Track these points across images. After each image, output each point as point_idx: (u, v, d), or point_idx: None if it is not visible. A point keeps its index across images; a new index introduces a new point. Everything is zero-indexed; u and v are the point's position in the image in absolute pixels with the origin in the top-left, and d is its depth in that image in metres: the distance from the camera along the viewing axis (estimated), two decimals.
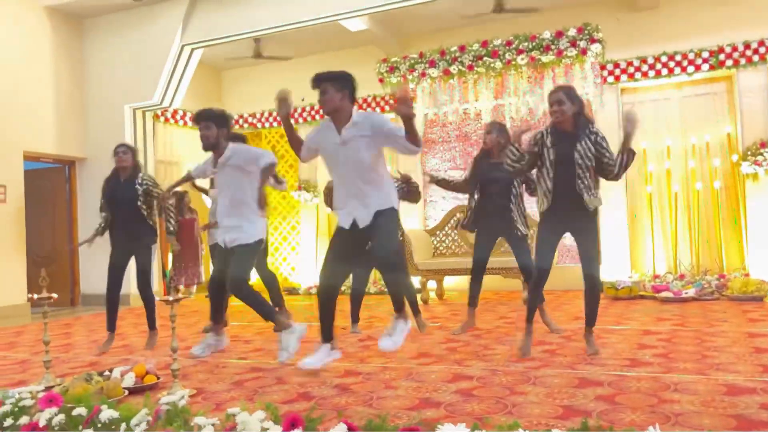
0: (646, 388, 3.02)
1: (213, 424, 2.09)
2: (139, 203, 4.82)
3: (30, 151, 8.17)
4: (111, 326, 4.90)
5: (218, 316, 4.42)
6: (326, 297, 3.63)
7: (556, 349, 4.13)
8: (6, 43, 7.88)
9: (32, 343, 5.53)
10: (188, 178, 4.82)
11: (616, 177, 3.80)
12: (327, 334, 3.67)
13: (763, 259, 7.18)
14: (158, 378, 3.52)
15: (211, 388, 3.40)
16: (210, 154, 4.34)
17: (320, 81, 3.52)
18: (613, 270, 7.64)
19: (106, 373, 3.54)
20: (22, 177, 8.03)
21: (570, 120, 3.77)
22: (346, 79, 3.53)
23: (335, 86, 3.48)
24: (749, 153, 7.29)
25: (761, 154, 7.21)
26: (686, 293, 6.41)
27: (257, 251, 4.27)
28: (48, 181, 8.97)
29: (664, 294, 6.45)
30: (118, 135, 8.70)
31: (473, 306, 4.97)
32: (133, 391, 3.30)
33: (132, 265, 4.97)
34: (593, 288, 3.87)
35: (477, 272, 4.95)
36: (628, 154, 3.72)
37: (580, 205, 3.77)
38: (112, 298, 4.89)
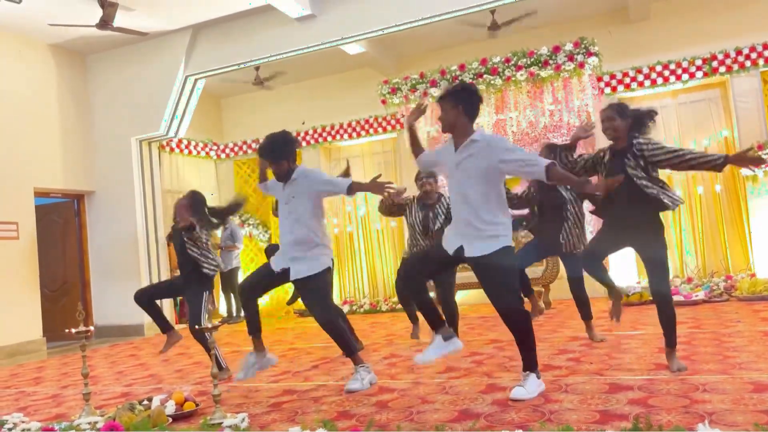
0: (676, 390, 3.12)
1: None
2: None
3: (40, 188, 8.26)
4: (165, 328, 4.85)
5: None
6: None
7: (579, 356, 4.23)
8: (10, 81, 8.00)
9: (57, 377, 5.57)
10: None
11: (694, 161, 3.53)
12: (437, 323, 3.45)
13: (767, 258, 7.33)
14: (197, 405, 3.59)
15: (251, 412, 3.47)
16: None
17: (438, 99, 3.44)
18: (620, 276, 7.74)
19: (145, 402, 3.61)
20: (34, 213, 8.10)
21: (624, 135, 3.70)
22: (458, 92, 3.35)
23: (450, 102, 3.34)
24: None
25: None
26: (696, 296, 6.53)
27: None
28: (58, 216, 9.05)
29: (674, 298, 6.54)
30: (125, 167, 8.85)
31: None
32: (175, 418, 3.37)
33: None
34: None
35: None
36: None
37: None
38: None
